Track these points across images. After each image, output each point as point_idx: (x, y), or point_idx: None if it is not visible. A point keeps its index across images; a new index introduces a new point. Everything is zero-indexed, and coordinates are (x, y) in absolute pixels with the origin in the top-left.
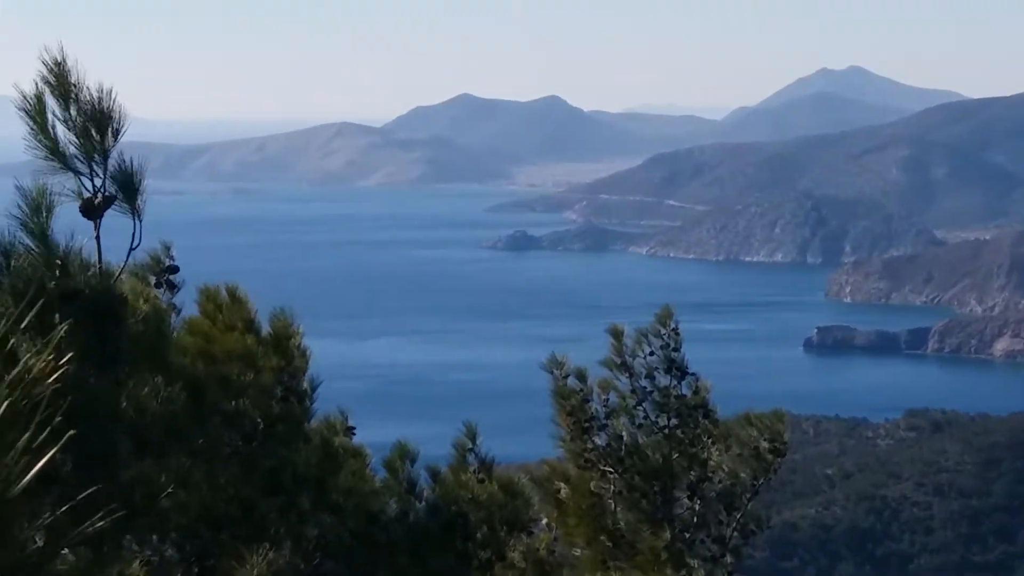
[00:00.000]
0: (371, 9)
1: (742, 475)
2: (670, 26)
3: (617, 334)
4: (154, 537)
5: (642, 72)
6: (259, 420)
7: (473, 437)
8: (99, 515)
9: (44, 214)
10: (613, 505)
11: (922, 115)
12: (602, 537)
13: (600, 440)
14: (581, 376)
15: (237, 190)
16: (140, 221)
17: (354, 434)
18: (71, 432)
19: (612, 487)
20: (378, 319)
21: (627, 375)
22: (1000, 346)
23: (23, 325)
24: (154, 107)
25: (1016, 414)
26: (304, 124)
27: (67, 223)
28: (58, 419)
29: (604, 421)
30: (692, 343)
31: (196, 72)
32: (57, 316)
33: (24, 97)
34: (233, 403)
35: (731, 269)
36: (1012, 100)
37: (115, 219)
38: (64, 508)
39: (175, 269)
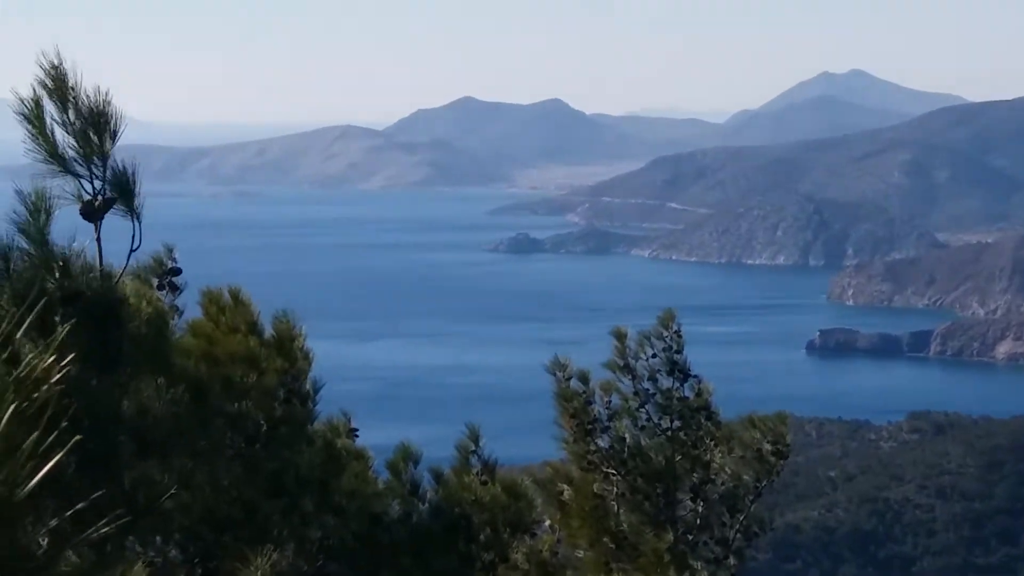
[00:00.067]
0: (373, 12)
1: (745, 477)
2: (672, 29)
3: (620, 336)
4: (158, 539)
5: (644, 75)
6: (262, 422)
7: (476, 439)
8: (102, 518)
9: (43, 217)
10: (616, 507)
11: (924, 118)
12: (605, 539)
13: (603, 442)
14: (584, 378)
15: (239, 193)
16: (139, 223)
17: (357, 436)
18: (77, 437)
19: (615, 489)
20: (380, 321)
21: (630, 377)
22: (1002, 349)
23: (25, 327)
24: (156, 110)
25: (1018, 417)
26: (306, 127)
27: (67, 226)
28: (64, 423)
29: (607, 423)
30: (695, 346)
31: (198, 75)
32: (59, 318)
33: (22, 101)
34: (236, 405)
35: (733, 272)
36: (1014, 103)
37: (116, 222)
38: (68, 510)
39: (177, 271)
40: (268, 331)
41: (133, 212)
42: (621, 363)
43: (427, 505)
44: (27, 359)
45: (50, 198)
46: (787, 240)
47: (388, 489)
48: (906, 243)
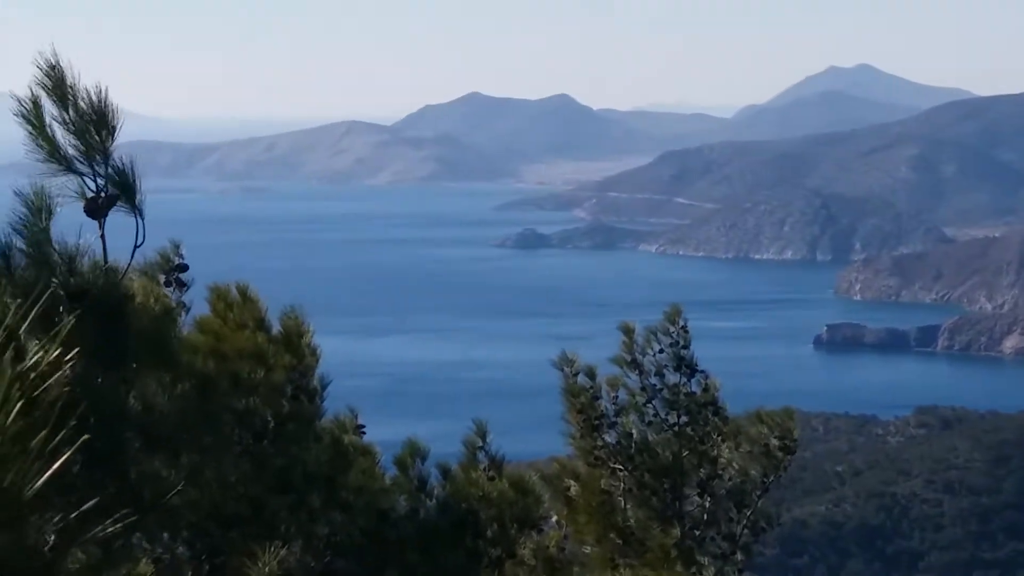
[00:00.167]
0: (381, 7)
1: (752, 472)
2: (679, 24)
3: (628, 331)
4: (165, 535)
5: (651, 70)
6: (270, 418)
7: (483, 435)
8: (109, 515)
9: (45, 216)
10: (623, 502)
11: (931, 113)
12: (612, 534)
13: (610, 438)
14: (591, 374)
15: (246, 189)
16: (142, 219)
17: (364, 433)
18: (85, 436)
19: (622, 484)
20: (388, 317)
21: (637, 373)
22: (1010, 343)
23: (29, 322)
24: (163, 107)
25: None
26: (313, 123)
27: (71, 223)
28: (73, 422)
29: (614, 419)
30: (701, 341)
31: (205, 71)
32: (64, 314)
33: (20, 102)
34: (244, 401)
35: (740, 267)
36: (1021, 98)
37: (123, 218)
38: (75, 507)
39: (184, 267)
40: (276, 327)
41: (136, 208)
42: (628, 358)
43: (434, 501)
44: (32, 352)
45: (50, 197)
46: (794, 235)
47: (395, 485)
48: (913, 238)
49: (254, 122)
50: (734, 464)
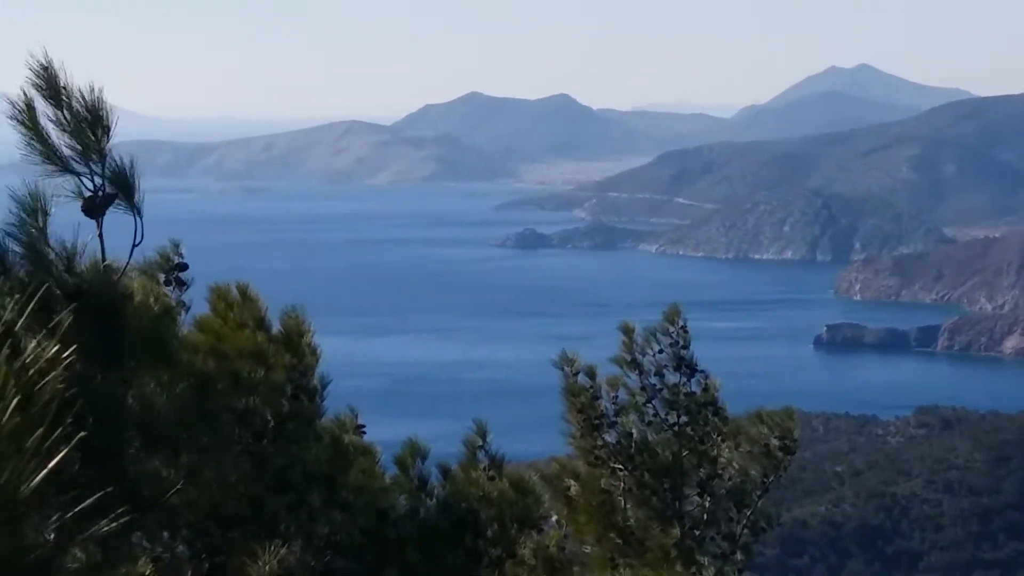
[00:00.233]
0: (380, 7)
1: (752, 472)
2: (679, 24)
3: (628, 332)
4: (165, 534)
5: (651, 70)
6: (270, 418)
7: (483, 434)
8: (108, 513)
9: (41, 216)
10: (623, 502)
11: (931, 113)
12: (612, 534)
13: (610, 437)
14: (591, 373)
15: (246, 188)
16: (140, 218)
17: (364, 433)
18: (82, 433)
19: (622, 484)
20: (388, 317)
21: (637, 373)
22: (1010, 344)
23: (25, 319)
24: (163, 106)
25: None
26: (313, 122)
27: (69, 222)
28: (69, 420)
29: (614, 418)
30: (701, 341)
31: (205, 71)
32: (61, 313)
33: (13, 105)
34: (244, 400)
35: (740, 267)
36: (1021, 98)
37: (122, 217)
38: (73, 506)
39: (184, 267)
40: (276, 327)
41: (134, 207)
42: (628, 358)
43: (434, 501)
44: (30, 349)
45: (45, 198)
46: (794, 235)
47: (395, 485)
48: (914, 238)
49: (254, 122)
50: (734, 464)
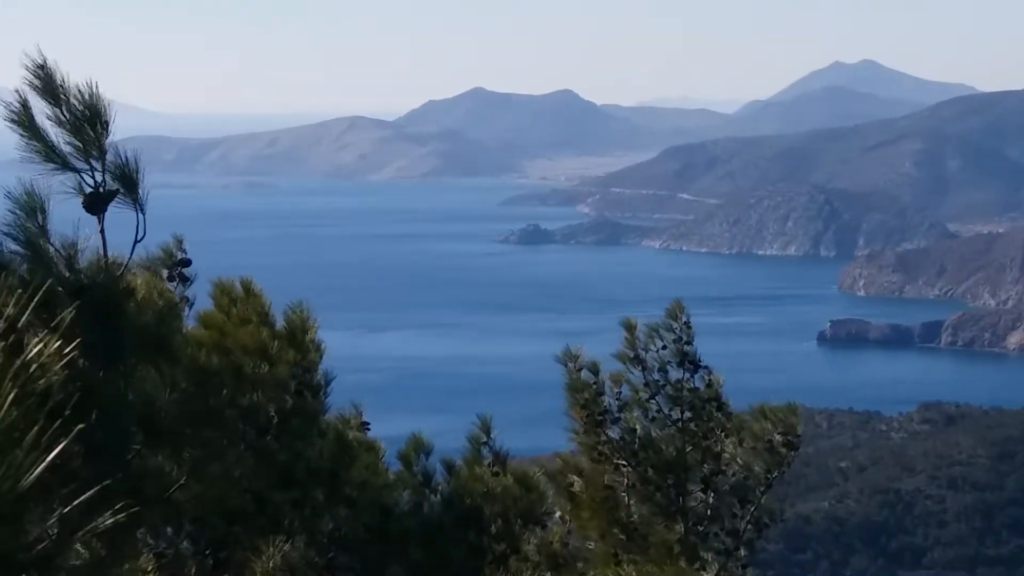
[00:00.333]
0: (383, 4)
1: (756, 468)
2: (683, 20)
3: (630, 327)
4: (168, 530)
5: (655, 66)
6: (273, 413)
7: (487, 430)
8: (111, 508)
9: (40, 214)
10: (626, 498)
11: (935, 108)
12: (615, 530)
13: (613, 433)
14: (594, 369)
15: (249, 184)
16: (143, 214)
17: (368, 430)
18: (81, 425)
19: (625, 480)
20: (391, 312)
21: (640, 368)
22: (1014, 339)
23: (27, 315)
24: (167, 102)
25: None
26: (316, 118)
27: (72, 220)
28: (68, 412)
29: (617, 414)
30: (705, 336)
31: (205, 71)
32: (64, 309)
33: (7, 106)
34: (247, 396)
35: (744, 262)
36: None
37: (125, 213)
38: (76, 501)
39: (187, 262)
40: (280, 323)
41: (137, 203)
42: (631, 354)
43: (438, 496)
44: (32, 344)
45: (41, 196)
46: (798, 230)
47: (399, 480)
48: (917, 233)
49: (258, 117)
50: (737, 460)
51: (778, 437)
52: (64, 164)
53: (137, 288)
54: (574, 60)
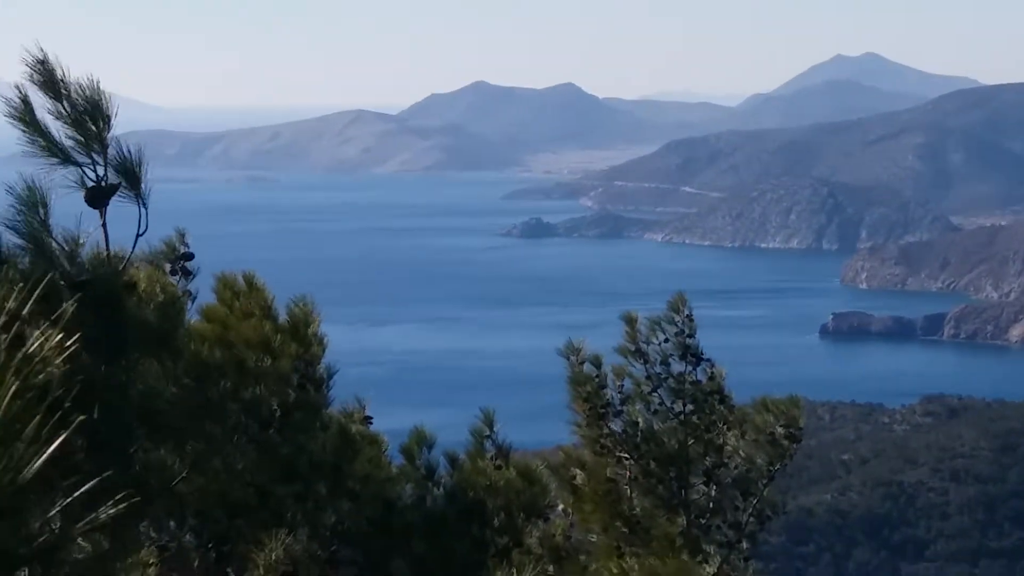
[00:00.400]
0: (384, 2)
1: (758, 461)
2: (686, 13)
3: (631, 321)
4: (171, 523)
5: (657, 59)
6: (276, 407)
7: (490, 424)
8: (113, 501)
9: (42, 208)
10: (629, 491)
11: (938, 101)
12: (618, 523)
13: (616, 426)
14: (596, 362)
15: (252, 178)
16: (145, 208)
17: (371, 424)
18: (81, 417)
19: (628, 473)
20: (394, 306)
21: (642, 362)
22: (1016, 332)
23: (29, 309)
24: (171, 97)
25: None
26: (319, 111)
27: (73, 214)
28: (68, 404)
29: (620, 407)
30: (707, 329)
31: (210, 66)
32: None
33: (7, 102)
34: (250, 390)
35: (747, 256)
36: None
37: (128, 207)
38: (78, 494)
39: (190, 256)
40: (283, 316)
41: (139, 197)
42: (632, 347)
43: (441, 490)
44: (33, 337)
45: (45, 191)
46: (800, 224)
47: (402, 474)
48: (920, 226)
49: (260, 111)
50: (740, 452)
51: (780, 430)
52: (66, 158)
53: (139, 282)
54: (577, 54)
